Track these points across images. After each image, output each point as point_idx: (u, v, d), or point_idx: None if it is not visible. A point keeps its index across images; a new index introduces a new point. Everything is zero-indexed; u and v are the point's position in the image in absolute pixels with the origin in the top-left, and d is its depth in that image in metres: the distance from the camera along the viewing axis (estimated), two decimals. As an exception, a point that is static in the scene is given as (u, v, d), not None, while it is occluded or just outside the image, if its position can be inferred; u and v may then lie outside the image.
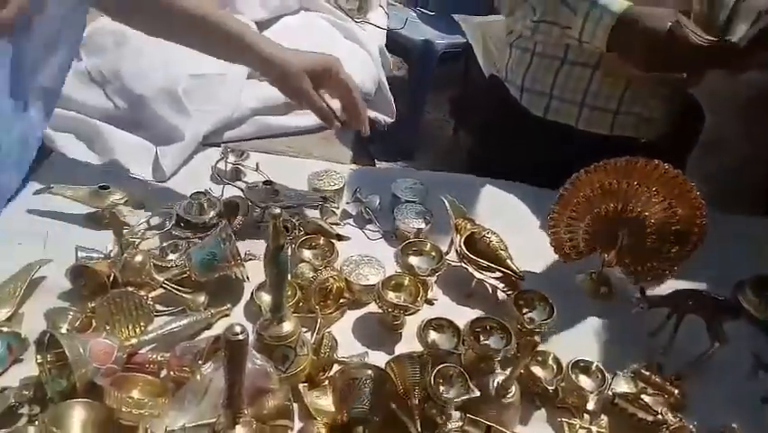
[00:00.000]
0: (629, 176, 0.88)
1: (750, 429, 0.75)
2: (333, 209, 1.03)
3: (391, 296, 0.84)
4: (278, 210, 0.65)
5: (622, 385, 0.78)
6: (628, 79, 1.09)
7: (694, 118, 1.24)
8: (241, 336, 0.56)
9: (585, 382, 0.77)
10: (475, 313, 0.87)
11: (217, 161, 1.12)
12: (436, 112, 3.18)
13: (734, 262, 0.99)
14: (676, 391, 0.78)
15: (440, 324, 0.81)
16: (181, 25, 0.95)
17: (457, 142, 2.94)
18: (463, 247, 0.92)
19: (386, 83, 1.65)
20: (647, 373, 0.79)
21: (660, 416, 0.73)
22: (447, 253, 0.95)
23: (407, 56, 2.83)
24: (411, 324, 0.84)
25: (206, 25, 0.94)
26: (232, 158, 1.11)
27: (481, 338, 0.79)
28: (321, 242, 0.93)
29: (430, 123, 3.18)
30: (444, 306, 0.90)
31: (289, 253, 0.70)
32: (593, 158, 0.90)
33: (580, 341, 0.87)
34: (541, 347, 0.79)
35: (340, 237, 0.95)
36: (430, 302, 0.89)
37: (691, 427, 0.73)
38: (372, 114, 1.66)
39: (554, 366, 0.79)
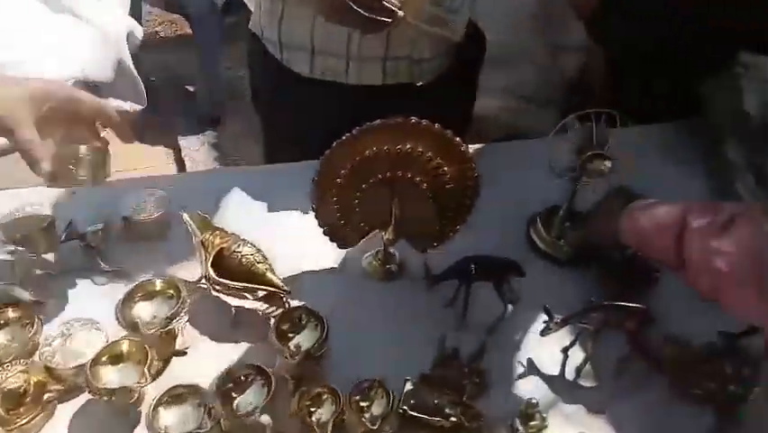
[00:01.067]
0: (391, 140, 0.74)
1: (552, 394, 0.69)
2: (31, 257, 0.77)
3: (109, 375, 0.64)
4: None
5: (418, 391, 0.67)
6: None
7: (476, 46, 1.14)
8: None
9: (375, 405, 0.64)
10: (238, 350, 0.70)
11: None
12: (239, 67, 2.88)
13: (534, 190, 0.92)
14: (476, 379, 0.68)
15: (178, 394, 0.63)
16: None
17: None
18: (211, 270, 0.73)
19: (129, 62, 1.36)
20: (437, 373, 0.68)
21: (454, 418, 0.63)
22: (200, 280, 0.76)
23: (185, 11, 2.47)
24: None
25: None
26: None
27: (234, 395, 0.63)
28: (13, 315, 0.69)
29: (233, 80, 2.88)
30: (201, 353, 0.73)
31: None
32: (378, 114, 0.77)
33: (369, 346, 0.75)
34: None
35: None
36: (180, 353, 0.70)
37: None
38: (114, 102, 1.37)
39: (332, 399, 0.65)
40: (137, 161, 2.47)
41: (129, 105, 1.48)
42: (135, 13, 2.56)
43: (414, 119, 0.72)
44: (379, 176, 0.76)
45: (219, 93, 2.60)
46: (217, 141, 2.60)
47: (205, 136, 2.63)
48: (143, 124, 2.47)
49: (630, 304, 0.71)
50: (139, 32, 1.42)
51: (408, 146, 0.73)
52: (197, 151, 2.59)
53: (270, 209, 0.91)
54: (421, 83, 1.03)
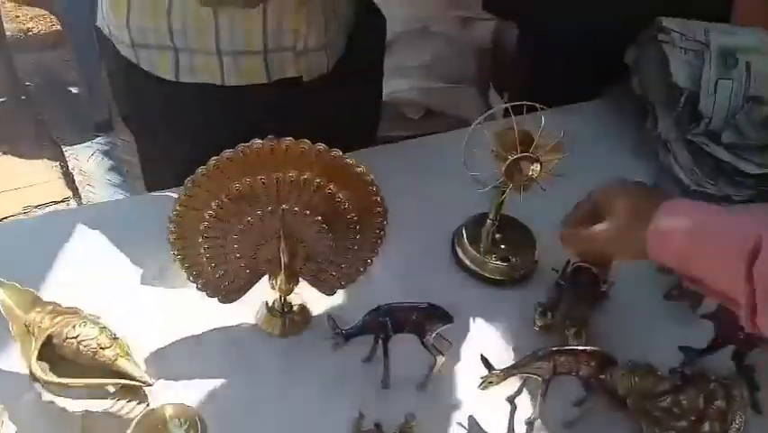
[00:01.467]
0: (268, 167, 0.57)
1: None
2: None
3: None
4: None
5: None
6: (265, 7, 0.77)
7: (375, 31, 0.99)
8: None
9: None
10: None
11: None
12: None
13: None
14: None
15: None
16: None
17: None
18: (37, 366, 0.54)
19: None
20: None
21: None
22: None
23: (52, 8, 2.16)
24: None
25: None
26: None
27: None
28: None
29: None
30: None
31: None
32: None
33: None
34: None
35: None
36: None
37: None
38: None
39: None
40: (15, 178, 2.17)
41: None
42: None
43: (289, 141, 0.56)
44: (259, 212, 0.59)
45: (103, 94, 2.31)
46: (109, 148, 2.32)
47: (95, 144, 2.34)
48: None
49: (585, 348, 0.58)
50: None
51: (291, 174, 0.57)
52: (88, 161, 2.30)
53: (127, 260, 0.72)
54: (311, 77, 0.86)
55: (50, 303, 0.58)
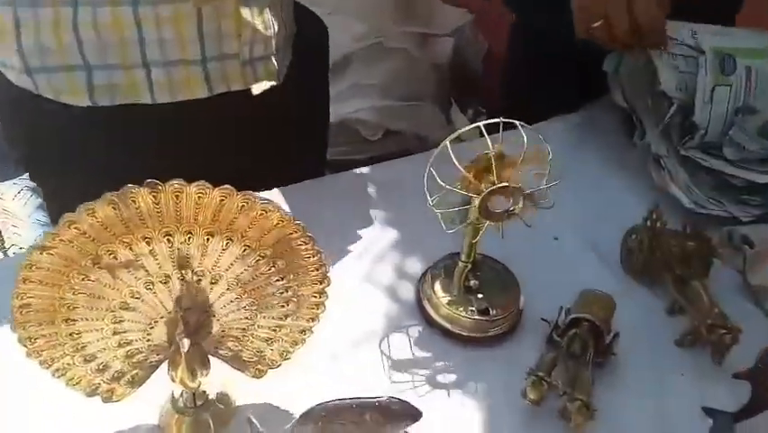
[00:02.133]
0: (139, 227, 0.41)
1: None
2: None
3: None
4: None
5: None
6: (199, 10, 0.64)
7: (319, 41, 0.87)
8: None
9: None
10: None
11: None
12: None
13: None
14: None
15: None
16: None
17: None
18: None
19: None
20: None
21: None
22: None
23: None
24: None
25: None
26: None
27: None
28: None
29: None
30: None
31: None
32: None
33: None
34: None
35: None
36: None
37: None
38: None
39: None
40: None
41: None
42: None
43: (178, 184, 0.40)
44: (147, 283, 0.43)
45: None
46: (36, 184, 2.10)
47: (21, 181, 2.12)
48: None
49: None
50: None
51: (188, 231, 0.41)
52: (13, 200, 2.08)
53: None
54: (258, 90, 0.72)
55: None
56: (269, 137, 0.75)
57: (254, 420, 0.44)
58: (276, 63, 0.73)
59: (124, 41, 0.63)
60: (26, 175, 2.10)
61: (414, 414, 0.44)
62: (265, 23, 0.70)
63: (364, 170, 0.79)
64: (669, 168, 0.81)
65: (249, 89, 0.71)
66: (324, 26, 0.88)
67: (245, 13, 0.67)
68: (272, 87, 0.73)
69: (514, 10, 1.08)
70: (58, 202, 0.83)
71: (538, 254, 0.70)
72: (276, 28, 0.72)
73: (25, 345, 0.42)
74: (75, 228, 0.39)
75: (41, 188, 0.90)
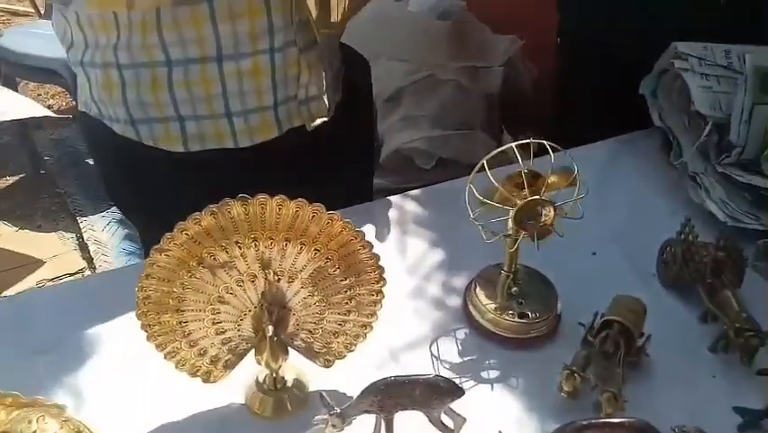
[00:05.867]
0: (232, 233, 0.51)
1: None
2: None
3: None
4: None
5: None
6: (272, 57, 0.75)
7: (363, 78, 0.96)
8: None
9: None
10: None
11: None
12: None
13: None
14: None
15: None
16: None
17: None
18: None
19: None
20: None
21: None
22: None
23: (60, 80, 2.21)
24: None
25: None
26: None
27: None
28: None
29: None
30: None
31: None
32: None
33: None
34: None
35: None
36: None
37: None
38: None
39: None
40: (31, 252, 2.17)
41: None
42: (11, 89, 2.30)
43: (263, 198, 0.50)
44: (238, 280, 0.53)
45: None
46: (123, 218, 2.31)
47: (109, 214, 2.34)
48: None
49: (620, 420, 0.50)
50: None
51: (270, 236, 0.51)
52: (102, 231, 2.30)
53: (99, 342, 0.66)
54: (314, 125, 0.81)
55: (8, 395, 0.52)
56: (323, 166, 0.83)
57: (325, 395, 0.52)
58: (326, 101, 0.82)
59: (210, 95, 0.74)
60: (113, 209, 2.32)
61: (457, 391, 0.52)
62: (318, 66, 0.79)
63: (412, 193, 0.88)
64: (705, 185, 0.85)
65: (304, 125, 0.80)
66: (367, 63, 0.97)
67: (303, 59, 0.77)
68: (324, 122, 0.82)
69: (564, 17, 1.14)
70: (152, 232, 0.95)
71: (577, 267, 0.76)
72: (326, 70, 0.81)
73: (146, 331, 0.53)
74: (185, 234, 0.50)
75: (135, 222, 1.02)
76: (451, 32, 1.75)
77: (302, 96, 0.80)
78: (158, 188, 0.82)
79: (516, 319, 0.68)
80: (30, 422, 0.48)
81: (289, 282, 0.54)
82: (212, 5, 0.69)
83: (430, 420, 0.52)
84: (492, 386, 0.64)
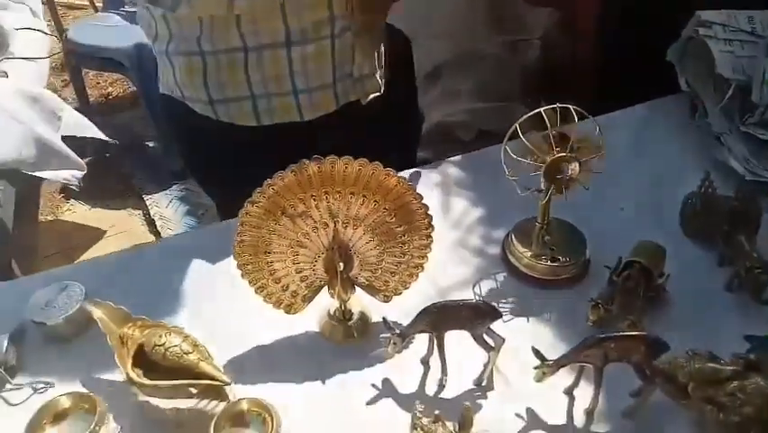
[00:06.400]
0: (308, 188, 0.63)
1: None
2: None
3: None
4: None
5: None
6: (333, 43, 0.85)
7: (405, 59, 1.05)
8: None
9: None
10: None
11: None
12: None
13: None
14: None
15: None
16: None
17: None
18: (131, 371, 0.61)
19: (48, 134, 1.25)
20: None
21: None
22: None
23: (123, 69, 2.37)
24: None
25: None
26: None
27: None
28: None
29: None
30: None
31: None
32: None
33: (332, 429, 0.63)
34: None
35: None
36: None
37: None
38: (49, 174, 1.28)
39: None
40: (104, 227, 2.38)
41: (69, 174, 1.38)
42: (76, 79, 2.49)
43: (332, 159, 0.61)
44: (313, 227, 0.65)
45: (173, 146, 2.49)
46: (184, 194, 2.49)
47: (172, 192, 2.52)
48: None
49: (632, 333, 0.59)
50: (52, 102, 1.32)
51: (338, 190, 0.62)
52: (167, 208, 2.48)
53: (203, 282, 0.79)
54: (366, 100, 0.93)
55: (139, 318, 0.66)
56: (374, 136, 0.90)
57: (388, 319, 0.64)
58: (378, 78, 0.93)
59: (279, 76, 0.85)
60: (174, 186, 2.50)
61: (496, 313, 0.62)
62: (369, 48, 0.89)
63: (453, 159, 0.98)
64: (728, 144, 0.92)
65: (359, 100, 0.91)
66: (408, 39, 1.05)
67: (357, 42, 0.87)
68: (375, 97, 0.92)
69: None
70: (229, 201, 1.07)
71: (606, 221, 0.84)
72: (377, 50, 0.91)
73: (240, 270, 0.66)
74: (271, 188, 0.61)
75: (213, 193, 1.13)
76: (489, 7, 1.81)
77: (356, 75, 0.90)
78: (233, 160, 0.94)
79: (549, 263, 0.77)
80: (160, 336, 0.62)
81: (354, 229, 0.65)
82: (283, 3, 0.79)
83: (474, 339, 0.63)
84: (528, 319, 0.74)
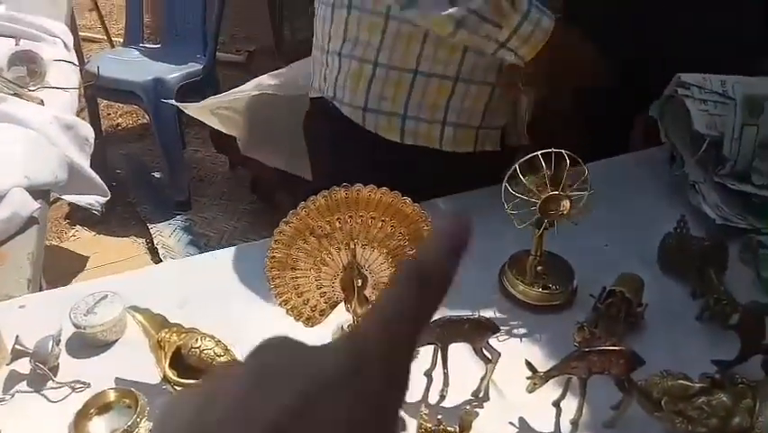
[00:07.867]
0: (335, 211, 0.72)
1: None
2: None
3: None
4: None
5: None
6: (493, 90, 0.95)
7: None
8: None
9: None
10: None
11: None
12: (206, 147, 2.89)
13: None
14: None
15: None
16: None
17: (237, 177, 2.68)
18: (169, 371, 0.69)
19: (80, 161, 1.34)
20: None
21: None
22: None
23: (140, 102, 2.49)
24: None
25: None
26: None
27: None
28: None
29: (201, 160, 2.89)
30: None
31: None
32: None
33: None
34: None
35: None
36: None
37: None
38: (74, 198, 1.36)
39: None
40: (108, 255, 2.44)
41: (93, 200, 1.46)
42: (93, 109, 2.59)
43: (359, 187, 0.70)
44: (336, 247, 0.73)
45: (183, 177, 2.59)
46: (188, 225, 2.57)
47: (175, 222, 2.60)
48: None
49: (613, 347, 0.68)
50: (84, 129, 1.42)
51: (360, 214, 0.71)
52: (170, 237, 2.55)
53: (232, 294, 0.87)
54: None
55: (175, 324, 0.73)
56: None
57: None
58: (519, 136, 1.02)
59: (437, 104, 0.93)
60: (178, 217, 2.58)
61: (494, 328, 0.71)
62: (523, 108, 0.98)
63: (465, 194, 1.07)
64: (702, 192, 1.03)
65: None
66: None
67: (515, 101, 0.96)
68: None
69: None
70: None
71: (592, 255, 0.94)
72: (528, 110, 1.00)
73: (269, 283, 0.74)
74: (304, 210, 0.70)
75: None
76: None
77: (496, 124, 0.98)
78: (359, 165, 0.93)
79: (541, 291, 0.86)
80: (196, 340, 0.70)
81: (371, 249, 0.74)
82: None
83: (474, 351, 0.71)
84: (521, 339, 0.82)
